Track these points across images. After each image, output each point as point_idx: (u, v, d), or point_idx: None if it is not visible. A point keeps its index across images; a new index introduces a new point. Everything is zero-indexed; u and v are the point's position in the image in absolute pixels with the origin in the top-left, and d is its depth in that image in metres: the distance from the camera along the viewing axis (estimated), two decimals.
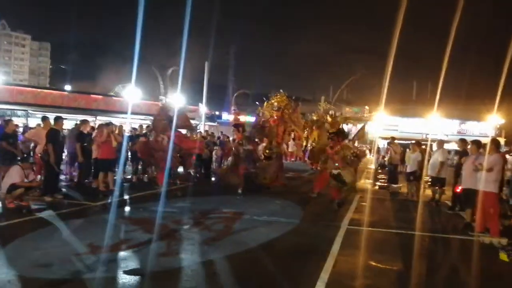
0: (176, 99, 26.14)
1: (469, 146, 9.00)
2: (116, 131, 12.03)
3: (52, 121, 9.82)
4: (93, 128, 12.01)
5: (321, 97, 42.44)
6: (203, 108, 29.26)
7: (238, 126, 11.93)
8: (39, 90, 30.99)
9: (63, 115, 11.69)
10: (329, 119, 12.08)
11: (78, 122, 12.03)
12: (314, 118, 16.21)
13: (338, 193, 9.89)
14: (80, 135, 10.59)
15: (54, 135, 9.46)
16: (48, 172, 9.50)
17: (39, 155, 9.80)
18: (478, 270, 5.63)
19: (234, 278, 4.93)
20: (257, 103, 14.09)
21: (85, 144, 10.43)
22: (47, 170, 9.45)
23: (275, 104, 12.87)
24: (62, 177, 11.14)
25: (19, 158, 9.63)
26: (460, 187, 9.12)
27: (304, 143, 19.19)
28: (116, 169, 11.64)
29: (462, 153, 9.69)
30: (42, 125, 10.49)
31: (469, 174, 7.80)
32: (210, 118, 37.04)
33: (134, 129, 13.63)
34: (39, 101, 26.95)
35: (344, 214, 9.06)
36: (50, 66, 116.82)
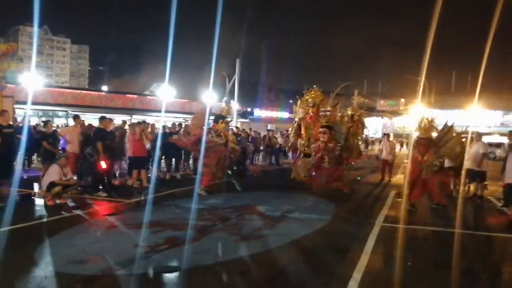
0: (208, 97, 26.44)
1: None
2: (149, 129, 12.25)
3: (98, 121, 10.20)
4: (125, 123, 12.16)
5: (354, 91, 41.74)
6: (235, 105, 29.38)
7: (329, 128, 10.81)
8: (78, 91, 32.14)
9: (103, 115, 12.03)
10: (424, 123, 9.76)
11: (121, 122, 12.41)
12: (350, 112, 15.77)
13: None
14: (102, 133, 10.10)
15: (100, 133, 9.79)
16: (92, 170, 9.83)
17: (85, 152, 10.07)
18: None
19: (265, 276, 4.88)
20: (291, 101, 13.95)
21: (107, 141, 10.10)
22: (93, 168, 9.77)
23: (310, 100, 12.61)
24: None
25: (57, 156, 9.98)
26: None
27: None
28: (151, 167, 11.88)
29: None
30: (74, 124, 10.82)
31: None
32: (242, 114, 37.14)
33: (164, 127, 13.83)
34: (78, 101, 27.99)
35: (379, 211, 8.82)
36: (89, 68, 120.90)
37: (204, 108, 11.37)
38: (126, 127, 13.04)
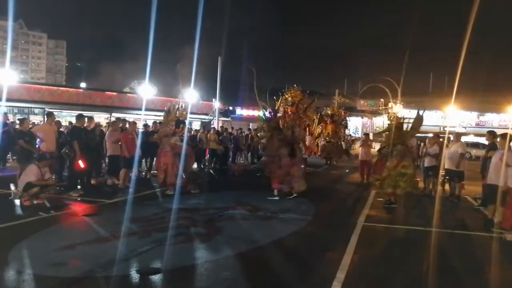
0: (190, 95, 26.24)
1: (498, 139, 8.54)
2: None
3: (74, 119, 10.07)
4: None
5: (335, 91, 42.05)
6: (216, 104, 29.25)
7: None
8: (55, 88, 31.41)
9: (80, 113, 11.78)
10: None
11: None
12: (329, 112, 15.78)
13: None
14: (79, 131, 9.73)
15: (76, 132, 9.58)
16: (70, 169, 9.63)
17: (62, 152, 9.87)
18: (500, 268, 5.45)
19: (247, 277, 4.85)
20: (274, 97, 13.93)
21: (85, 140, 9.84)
22: (70, 167, 9.61)
23: (289, 99, 12.68)
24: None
25: (35, 156, 9.72)
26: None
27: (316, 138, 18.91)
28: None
29: (490, 146, 9.23)
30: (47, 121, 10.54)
31: (495, 170, 7.43)
32: (224, 113, 36.99)
33: (146, 125, 13.66)
34: (55, 98, 27.35)
35: (360, 210, 8.90)
36: (66, 64, 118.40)
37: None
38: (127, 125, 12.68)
